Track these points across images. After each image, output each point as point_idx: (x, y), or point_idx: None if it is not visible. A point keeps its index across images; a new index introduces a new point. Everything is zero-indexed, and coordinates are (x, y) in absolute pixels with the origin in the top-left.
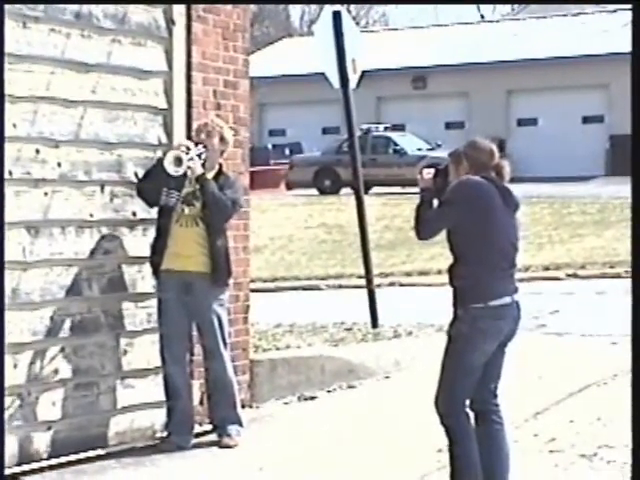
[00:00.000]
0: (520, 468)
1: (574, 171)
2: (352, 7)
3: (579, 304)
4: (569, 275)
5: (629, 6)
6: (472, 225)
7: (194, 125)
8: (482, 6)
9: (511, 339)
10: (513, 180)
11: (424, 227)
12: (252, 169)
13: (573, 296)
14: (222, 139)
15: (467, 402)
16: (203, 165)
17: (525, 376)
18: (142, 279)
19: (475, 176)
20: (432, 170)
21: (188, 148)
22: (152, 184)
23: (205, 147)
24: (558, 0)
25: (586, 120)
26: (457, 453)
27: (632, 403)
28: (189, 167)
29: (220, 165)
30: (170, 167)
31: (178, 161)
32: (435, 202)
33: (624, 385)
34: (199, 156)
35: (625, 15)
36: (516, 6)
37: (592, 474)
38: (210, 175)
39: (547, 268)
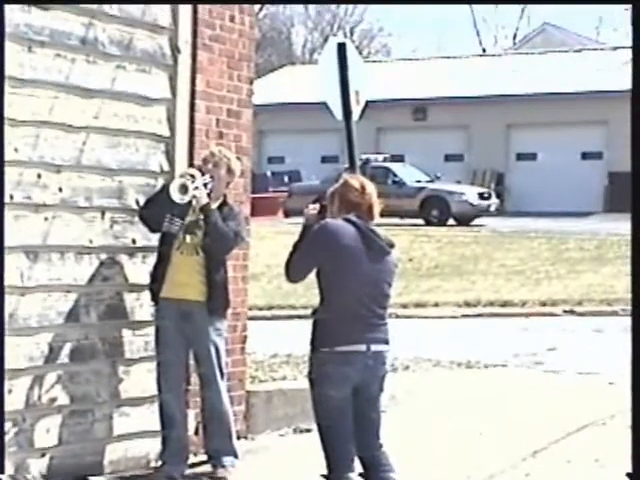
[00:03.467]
0: None
1: (572, 207)
2: (355, 37)
3: (576, 341)
4: (566, 311)
5: (628, 43)
6: (326, 269)
7: (197, 154)
8: (484, 39)
9: (369, 389)
10: (512, 214)
11: (292, 266)
12: (251, 196)
13: (570, 333)
14: (229, 170)
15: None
16: (209, 195)
17: (522, 414)
18: (140, 307)
19: (337, 219)
20: (317, 206)
21: (194, 176)
22: (155, 210)
23: (212, 177)
24: (556, 0)
25: (585, 156)
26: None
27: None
28: (194, 196)
29: (225, 196)
30: (175, 194)
31: (184, 189)
32: None
33: (622, 426)
34: (205, 185)
35: (624, 53)
36: (518, 40)
37: None
38: (214, 205)
39: (544, 304)
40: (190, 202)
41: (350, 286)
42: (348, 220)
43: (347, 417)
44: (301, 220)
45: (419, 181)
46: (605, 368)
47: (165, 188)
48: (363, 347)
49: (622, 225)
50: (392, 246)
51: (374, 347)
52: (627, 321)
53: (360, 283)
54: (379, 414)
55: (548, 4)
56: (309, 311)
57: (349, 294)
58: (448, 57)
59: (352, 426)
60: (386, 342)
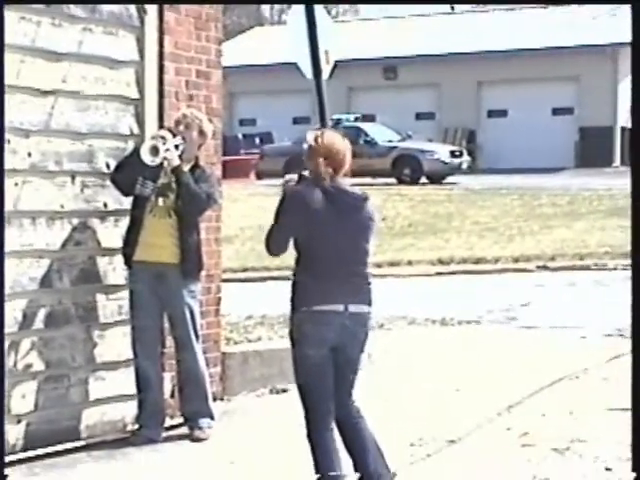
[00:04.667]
0: (493, 463)
1: (544, 163)
2: None
3: (549, 296)
4: (539, 267)
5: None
6: (300, 234)
7: (167, 116)
8: None
9: (347, 350)
10: (484, 172)
11: (272, 241)
12: (222, 158)
13: (543, 288)
14: (201, 132)
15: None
16: (180, 157)
17: (497, 369)
18: (113, 270)
19: (303, 185)
20: (295, 176)
21: (165, 138)
22: (127, 173)
23: (183, 139)
24: (554, 1)
25: (556, 112)
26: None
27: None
28: (165, 158)
29: (196, 158)
30: (146, 156)
31: (155, 150)
32: None
33: (596, 379)
34: (176, 147)
35: (594, 8)
36: None
37: (565, 468)
38: (186, 167)
39: (517, 260)
40: (162, 165)
41: (323, 247)
42: (314, 182)
43: (325, 376)
44: (275, 182)
45: (391, 140)
46: (578, 322)
47: (136, 151)
48: (340, 307)
49: (593, 180)
50: (365, 200)
51: (352, 308)
52: (599, 275)
53: (333, 243)
54: (356, 374)
55: (542, 4)
56: (283, 272)
57: (323, 255)
58: (417, 15)
59: (331, 385)
60: (368, 303)
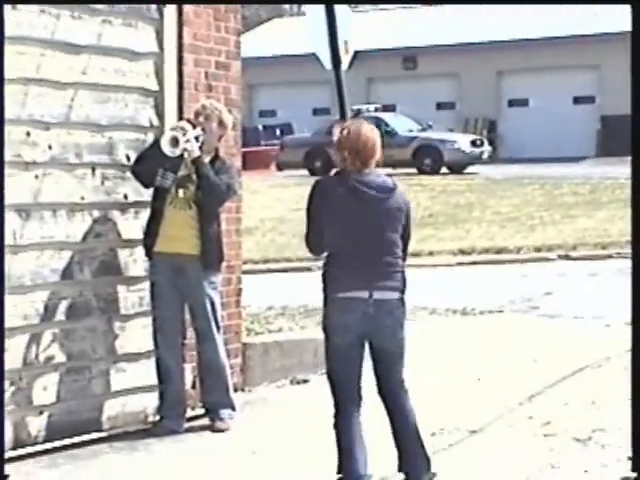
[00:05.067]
0: (515, 452)
1: (565, 152)
2: None
3: (571, 286)
4: (561, 256)
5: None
6: (323, 224)
7: (187, 107)
8: None
9: (374, 337)
10: (505, 161)
11: (310, 241)
12: (243, 150)
13: (565, 278)
14: (221, 123)
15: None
16: (200, 148)
17: (519, 359)
18: (134, 262)
19: (327, 177)
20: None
21: (184, 129)
22: (147, 165)
23: (203, 130)
24: (556, 1)
25: (577, 101)
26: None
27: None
28: (185, 149)
29: (217, 149)
30: (166, 147)
31: (175, 141)
32: None
33: (618, 368)
34: (196, 139)
35: None
36: None
37: (586, 458)
38: (207, 159)
39: (539, 249)
40: (182, 156)
41: (346, 237)
42: (340, 174)
43: (350, 364)
44: (295, 173)
45: (411, 130)
46: (600, 311)
47: (156, 143)
48: (365, 294)
49: (615, 169)
50: (391, 190)
51: (377, 295)
52: (621, 264)
53: (355, 234)
54: (394, 362)
55: (544, 4)
56: (304, 264)
57: (347, 245)
58: (437, 5)
59: (357, 373)
60: (396, 290)
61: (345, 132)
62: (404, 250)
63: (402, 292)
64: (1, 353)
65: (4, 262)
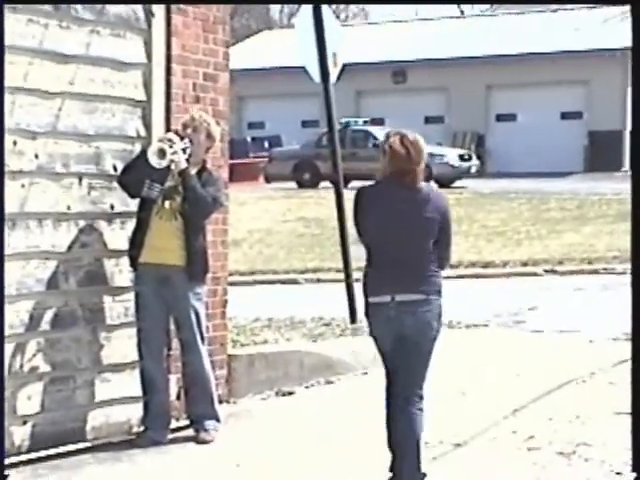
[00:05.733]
0: (499, 466)
1: (552, 167)
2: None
3: (557, 300)
4: (547, 271)
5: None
6: (362, 231)
7: (174, 118)
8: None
9: (401, 339)
10: (493, 175)
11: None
12: (231, 161)
13: (551, 292)
14: (209, 135)
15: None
16: (187, 160)
17: (504, 373)
18: (119, 272)
19: (367, 186)
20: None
21: (171, 141)
22: (134, 175)
23: (191, 142)
24: (557, 1)
25: (565, 116)
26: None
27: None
28: (172, 160)
29: (204, 161)
30: (153, 158)
31: (162, 153)
32: None
33: (602, 383)
34: (184, 150)
35: (604, 11)
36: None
37: (570, 472)
38: (194, 171)
39: (525, 264)
40: (169, 167)
41: (378, 244)
42: (378, 182)
43: (390, 362)
44: (283, 185)
45: None
46: (585, 326)
47: (144, 154)
48: (387, 298)
49: (602, 184)
50: (426, 201)
51: (399, 297)
52: (607, 279)
53: (387, 241)
54: (417, 365)
55: (543, 4)
56: (290, 276)
57: (379, 252)
58: (426, 19)
59: (396, 370)
60: (421, 292)
61: (389, 141)
62: (442, 256)
63: (429, 294)
64: (1, 354)
65: (4, 263)
